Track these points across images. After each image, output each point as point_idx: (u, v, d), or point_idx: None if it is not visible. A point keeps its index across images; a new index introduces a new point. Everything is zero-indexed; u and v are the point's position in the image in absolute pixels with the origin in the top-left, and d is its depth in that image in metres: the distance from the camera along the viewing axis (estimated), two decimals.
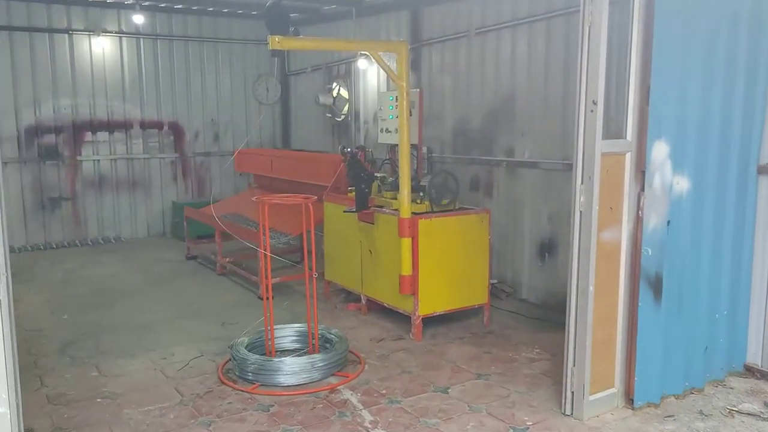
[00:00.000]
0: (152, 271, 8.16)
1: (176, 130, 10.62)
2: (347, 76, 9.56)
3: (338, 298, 6.74)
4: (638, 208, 3.95)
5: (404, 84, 5.17)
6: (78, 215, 9.96)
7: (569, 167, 6.00)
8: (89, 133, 9.94)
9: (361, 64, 9.02)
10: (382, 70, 8.69)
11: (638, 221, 3.96)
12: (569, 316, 3.95)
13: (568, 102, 5.94)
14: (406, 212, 5.27)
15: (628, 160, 3.94)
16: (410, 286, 5.33)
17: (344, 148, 5.81)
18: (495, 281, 6.61)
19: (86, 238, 9.98)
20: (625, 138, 3.93)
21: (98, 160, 10.04)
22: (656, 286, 4.00)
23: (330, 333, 5.06)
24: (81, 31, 9.70)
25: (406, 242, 5.29)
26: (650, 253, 3.95)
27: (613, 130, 4.12)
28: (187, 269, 8.25)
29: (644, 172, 3.91)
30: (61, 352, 5.30)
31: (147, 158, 10.41)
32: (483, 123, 7.04)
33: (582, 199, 3.80)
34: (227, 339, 5.48)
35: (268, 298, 4.92)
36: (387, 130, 6.58)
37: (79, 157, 9.88)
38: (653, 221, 3.94)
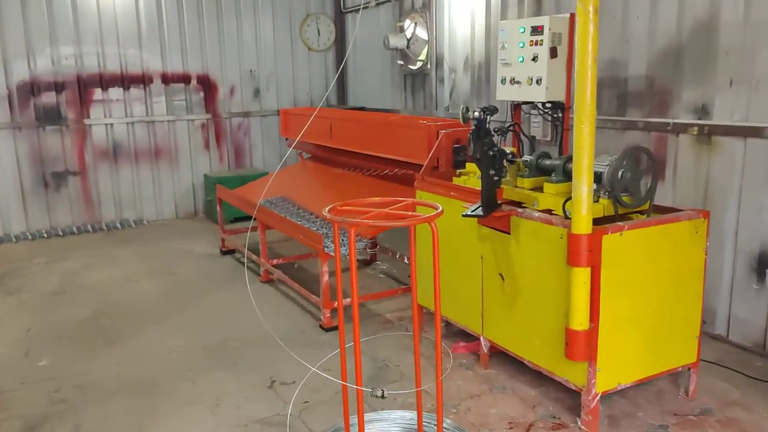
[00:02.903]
0: (176, 274, 6.15)
1: (207, 85, 8.49)
2: (426, 10, 7.20)
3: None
4: None
5: None
6: (89, 194, 8.00)
7: None
8: (99, 90, 7.87)
9: None
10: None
11: None
12: None
13: None
14: (583, 224, 3.03)
15: None
16: (586, 348, 3.13)
17: (467, 109, 3.57)
18: None
19: (100, 222, 8.04)
20: None
21: (111, 124, 8.00)
22: None
23: None
24: None
25: (581, 275, 3.06)
26: None
27: None
28: (222, 271, 6.21)
29: None
30: None
31: (172, 121, 8.34)
32: (652, 67, 4.67)
33: None
34: (277, 420, 3.43)
35: (344, 338, 2.81)
36: (514, 81, 4.32)
37: (87, 121, 7.86)
38: None
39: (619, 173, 3.28)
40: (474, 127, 3.44)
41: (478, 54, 6.47)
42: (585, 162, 2.96)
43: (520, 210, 3.56)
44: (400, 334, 4.62)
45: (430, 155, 4.46)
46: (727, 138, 4.19)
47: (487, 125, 3.49)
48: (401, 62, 7.63)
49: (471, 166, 4.30)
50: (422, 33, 7.25)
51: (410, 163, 4.94)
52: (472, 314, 4.02)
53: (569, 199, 3.35)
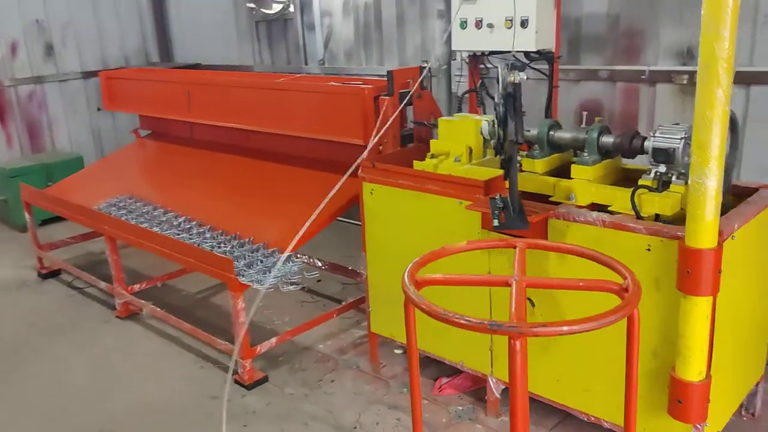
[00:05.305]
0: None
1: None
2: None
3: (396, 363, 3.49)
4: None
5: None
6: None
7: None
8: None
9: None
10: None
11: None
12: None
13: None
14: (708, 234, 2.06)
15: None
16: (704, 404, 2.23)
17: (510, 67, 2.36)
18: None
19: None
20: None
21: None
22: None
23: None
24: None
25: (703, 307, 2.12)
26: None
27: None
28: (52, 309, 4.38)
29: None
30: None
31: None
32: (616, 4, 3.85)
33: None
34: None
35: None
36: (482, 24, 3.19)
37: None
38: None
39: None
40: (505, 94, 2.28)
41: None
42: (716, 143, 1.98)
43: (561, 209, 2.51)
44: (354, 375, 3.42)
45: (378, 132, 3.19)
46: None
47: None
48: (252, 5, 6.06)
49: (438, 145, 3.16)
50: None
51: (335, 144, 3.65)
52: (472, 347, 2.94)
53: (638, 188, 2.41)
